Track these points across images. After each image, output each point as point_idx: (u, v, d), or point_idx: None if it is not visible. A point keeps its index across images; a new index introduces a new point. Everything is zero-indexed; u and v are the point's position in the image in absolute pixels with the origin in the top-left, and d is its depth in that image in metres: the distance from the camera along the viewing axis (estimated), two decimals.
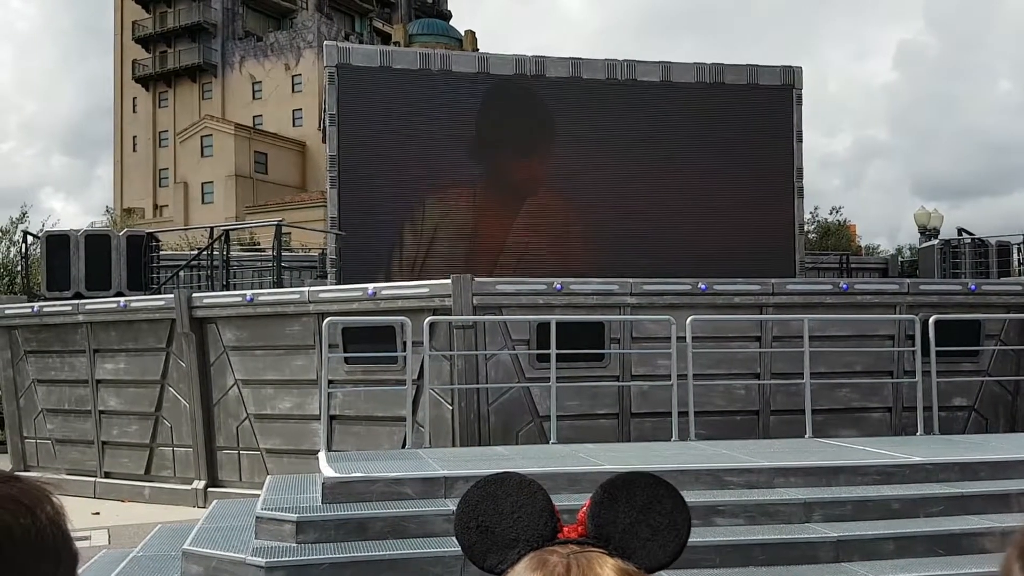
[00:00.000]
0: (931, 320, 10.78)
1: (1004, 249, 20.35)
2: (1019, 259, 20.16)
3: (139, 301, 14.17)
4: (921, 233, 24.43)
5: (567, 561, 0.99)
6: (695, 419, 10.28)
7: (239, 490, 12.70)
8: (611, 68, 18.72)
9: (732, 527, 7.32)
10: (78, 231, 16.70)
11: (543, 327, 10.84)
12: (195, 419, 13.49)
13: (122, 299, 14.34)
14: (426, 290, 11.65)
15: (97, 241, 16.23)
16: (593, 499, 1.10)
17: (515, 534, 1.08)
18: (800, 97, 19.37)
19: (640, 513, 1.09)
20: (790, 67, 19.46)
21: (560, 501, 1.16)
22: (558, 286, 11.64)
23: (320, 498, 7.60)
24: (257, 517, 7.41)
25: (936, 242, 21.78)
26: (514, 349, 11.57)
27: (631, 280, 11.92)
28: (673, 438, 10.17)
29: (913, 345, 11.05)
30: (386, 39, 61.36)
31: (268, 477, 9.98)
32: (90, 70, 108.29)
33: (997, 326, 12.54)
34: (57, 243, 16.21)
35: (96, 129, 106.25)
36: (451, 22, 68.60)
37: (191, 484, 13.68)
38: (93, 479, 14.47)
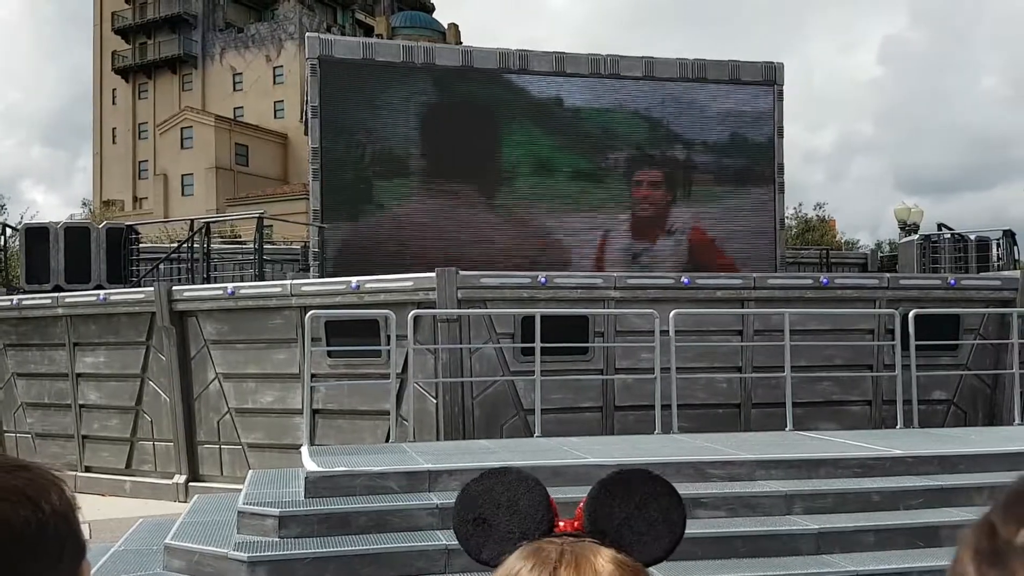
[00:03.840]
0: (911, 314, 10.87)
1: (983, 244, 20.57)
2: (997, 254, 20.37)
3: (119, 294, 14.06)
4: (901, 228, 24.62)
5: (561, 548, 0.99)
6: (678, 412, 10.33)
7: (221, 485, 12.65)
8: (594, 63, 18.72)
9: (714, 519, 7.36)
10: (57, 224, 16.54)
11: (527, 320, 10.86)
12: (176, 413, 13.41)
13: (102, 292, 14.22)
14: (410, 283, 11.63)
15: (77, 234, 16.08)
16: (590, 495, 1.11)
17: (511, 527, 1.09)
18: (781, 93, 19.46)
19: (636, 508, 1.10)
20: (771, 63, 19.54)
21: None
22: (542, 280, 11.65)
23: (303, 492, 7.58)
24: (239, 512, 7.38)
25: (916, 237, 21.96)
26: (499, 342, 11.57)
27: (615, 274, 11.96)
28: (656, 431, 10.22)
29: (893, 339, 11.13)
30: (368, 31, 61.07)
31: (250, 472, 9.93)
32: (72, 60, 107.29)
33: (976, 320, 12.66)
34: (36, 236, 16.04)
35: (78, 120, 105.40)
36: (434, 15, 68.40)
37: (172, 478, 13.61)
38: (73, 473, 14.35)
